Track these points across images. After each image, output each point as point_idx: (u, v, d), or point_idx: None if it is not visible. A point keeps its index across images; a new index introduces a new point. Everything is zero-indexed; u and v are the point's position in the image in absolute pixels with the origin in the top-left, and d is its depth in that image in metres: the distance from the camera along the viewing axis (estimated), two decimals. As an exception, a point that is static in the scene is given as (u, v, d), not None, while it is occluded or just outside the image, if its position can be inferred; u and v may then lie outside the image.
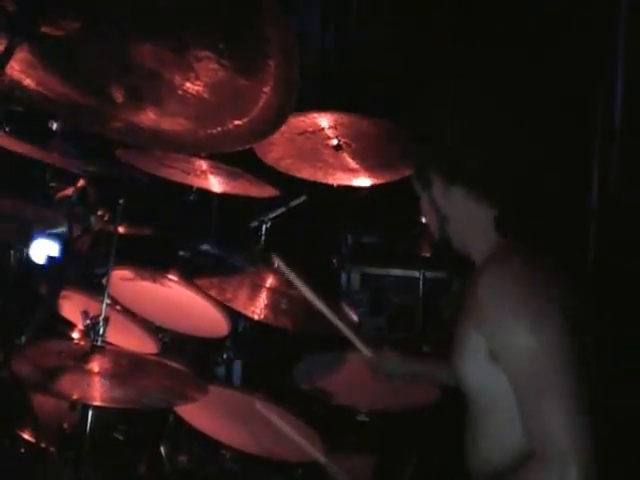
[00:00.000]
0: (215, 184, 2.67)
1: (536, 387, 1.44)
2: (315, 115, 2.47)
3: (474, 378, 1.58)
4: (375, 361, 2.18)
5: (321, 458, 2.03)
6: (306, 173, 2.72)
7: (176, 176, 2.61)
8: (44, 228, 2.09)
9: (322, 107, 2.48)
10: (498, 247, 1.62)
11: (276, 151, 2.56)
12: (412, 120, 1.76)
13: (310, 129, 2.52)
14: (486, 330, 1.51)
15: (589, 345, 1.54)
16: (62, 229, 2.07)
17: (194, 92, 1.48)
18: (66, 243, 2.09)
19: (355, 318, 3.05)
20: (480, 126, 1.64)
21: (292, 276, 2.19)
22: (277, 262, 2.21)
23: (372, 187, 2.76)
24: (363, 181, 2.74)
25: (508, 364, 1.49)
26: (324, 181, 2.74)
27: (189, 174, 2.57)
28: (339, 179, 2.75)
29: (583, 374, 1.44)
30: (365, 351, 2.17)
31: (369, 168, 2.69)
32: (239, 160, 2.27)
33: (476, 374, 1.57)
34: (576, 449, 1.38)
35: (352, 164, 2.67)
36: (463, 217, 1.67)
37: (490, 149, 1.63)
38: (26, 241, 2.18)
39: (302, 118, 2.47)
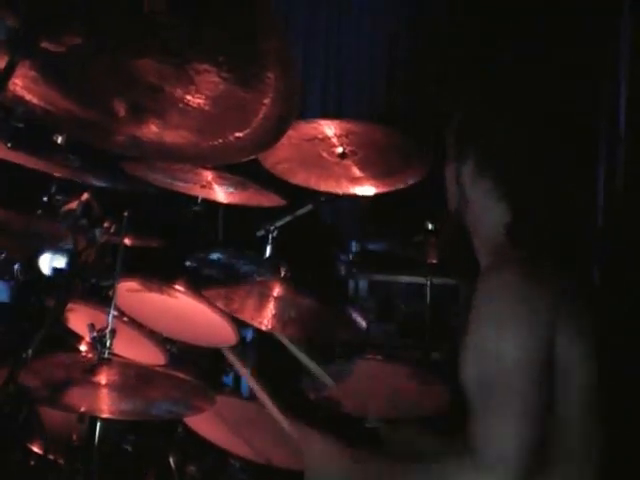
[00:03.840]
0: (221, 194, 2.68)
1: (495, 390, 1.45)
2: (324, 123, 2.47)
3: (474, 384, 1.58)
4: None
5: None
6: (300, 179, 2.72)
7: (181, 187, 2.62)
8: (50, 241, 2.10)
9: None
10: (505, 252, 1.62)
11: (276, 155, 2.55)
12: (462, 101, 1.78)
13: (320, 136, 2.53)
14: (479, 335, 1.52)
15: (581, 356, 1.54)
16: (68, 243, 2.08)
17: (195, 105, 1.48)
18: (72, 256, 2.10)
19: (364, 325, 3.05)
20: (520, 131, 1.66)
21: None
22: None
23: (377, 195, 2.76)
24: (367, 189, 2.74)
25: (486, 364, 1.49)
26: (316, 188, 2.73)
27: (195, 185, 2.58)
28: (335, 187, 2.74)
29: (543, 388, 1.45)
30: (328, 381, 2.18)
31: (374, 176, 2.69)
32: (246, 168, 2.28)
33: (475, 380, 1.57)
34: (517, 458, 1.39)
35: (356, 172, 2.67)
36: (480, 209, 1.68)
37: (523, 154, 1.64)
38: (32, 254, 2.18)
39: (314, 125, 2.48)
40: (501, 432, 1.42)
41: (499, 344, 1.46)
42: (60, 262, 2.14)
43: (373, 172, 2.67)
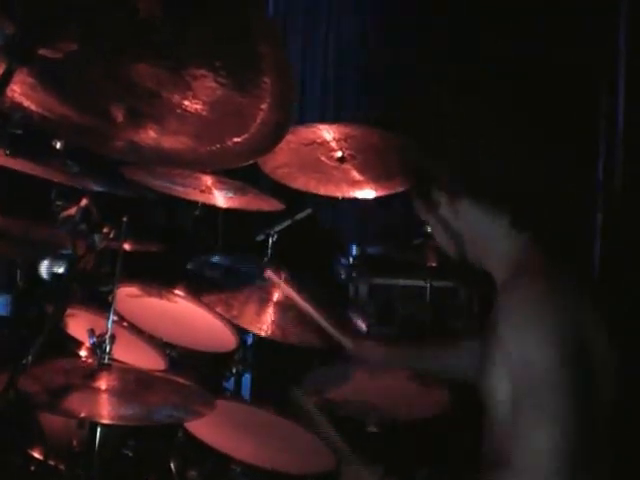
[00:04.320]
0: (220, 199, 2.69)
1: (531, 402, 1.45)
2: (323, 127, 2.47)
3: (494, 395, 1.56)
4: (356, 350, 2.21)
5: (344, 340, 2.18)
6: (300, 183, 2.72)
7: (181, 192, 2.63)
8: (50, 247, 2.10)
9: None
10: (517, 258, 1.61)
11: (276, 159, 2.56)
12: (411, 138, 1.75)
13: (319, 140, 2.53)
14: (502, 345, 1.50)
15: (596, 364, 1.53)
16: (67, 248, 2.08)
17: (193, 110, 1.48)
18: (71, 261, 2.10)
19: (364, 328, 3.05)
20: (483, 134, 1.63)
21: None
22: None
23: (376, 198, 2.76)
24: (367, 193, 2.74)
25: (516, 373, 1.49)
26: (316, 192, 2.74)
27: (194, 190, 2.59)
28: (335, 191, 2.75)
29: (580, 398, 1.45)
30: (344, 341, 2.20)
31: (373, 180, 2.70)
32: (246, 172, 2.28)
33: (496, 391, 1.55)
34: (549, 460, 1.39)
35: (356, 176, 2.68)
36: (475, 229, 1.66)
37: (494, 157, 1.62)
38: (32, 260, 2.19)
39: (312, 129, 2.48)
40: (535, 435, 1.41)
41: (524, 351, 1.45)
42: (59, 268, 2.14)
43: (372, 175, 2.68)
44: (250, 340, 2.92)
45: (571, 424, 1.43)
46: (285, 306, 2.66)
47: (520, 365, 1.47)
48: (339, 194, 2.77)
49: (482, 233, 1.65)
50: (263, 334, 2.59)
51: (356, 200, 2.79)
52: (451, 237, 1.68)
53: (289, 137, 2.38)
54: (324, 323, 2.22)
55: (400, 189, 2.68)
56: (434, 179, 1.65)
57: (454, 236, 1.68)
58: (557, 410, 1.43)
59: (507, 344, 1.49)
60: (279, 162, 2.57)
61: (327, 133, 2.49)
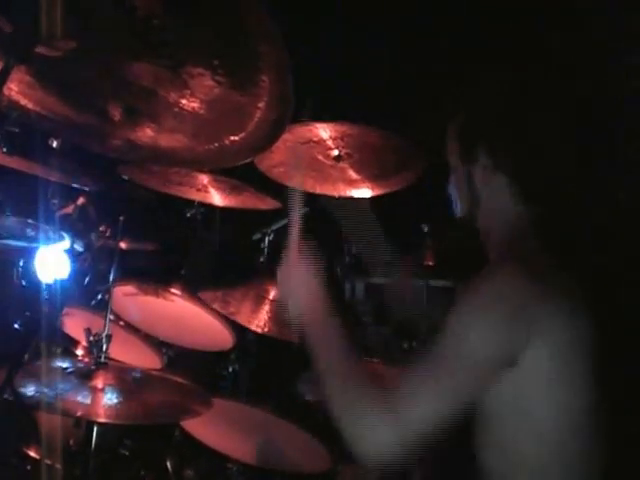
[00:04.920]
0: (217, 198, 2.68)
1: (440, 360, 1.44)
2: (321, 126, 2.47)
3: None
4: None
5: None
6: (295, 182, 2.71)
7: (178, 191, 2.62)
8: (46, 246, 2.10)
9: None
10: (513, 247, 1.60)
11: (272, 158, 2.55)
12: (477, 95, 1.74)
13: (315, 139, 2.52)
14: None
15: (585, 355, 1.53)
16: (64, 247, 2.08)
17: (190, 109, 1.48)
18: (69, 260, 2.10)
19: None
20: (536, 124, 1.62)
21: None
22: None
23: (373, 197, 2.75)
24: (363, 192, 2.73)
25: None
26: (312, 191, 2.72)
27: (191, 188, 2.58)
28: (332, 190, 2.74)
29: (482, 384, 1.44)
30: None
31: (370, 179, 2.69)
32: (242, 171, 2.28)
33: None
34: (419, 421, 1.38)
35: (353, 175, 2.67)
36: (496, 206, 1.65)
37: (542, 147, 1.62)
38: (29, 259, 2.18)
39: (309, 128, 2.47)
40: (423, 393, 1.41)
41: (466, 330, 1.44)
42: (56, 267, 2.14)
43: (369, 174, 2.67)
44: (247, 339, 2.91)
45: (565, 421, 1.43)
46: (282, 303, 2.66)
47: (453, 332, 1.46)
48: (335, 193, 2.76)
49: (498, 212, 1.65)
50: (260, 331, 2.59)
51: (354, 199, 2.78)
52: (471, 195, 1.68)
53: (285, 135, 2.37)
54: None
55: (397, 188, 2.68)
56: (493, 139, 1.65)
57: (473, 197, 1.67)
58: (549, 409, 1.43)
59: (457, 314, 1.48)
60: (275, 161, 2.56)
61: (323, 131, 2.48)
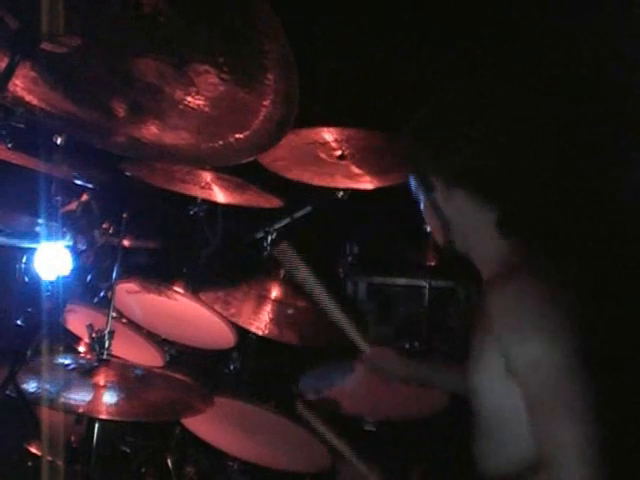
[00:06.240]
0: (220, 196, 2.68)
1: (550, 401, 1.43)
2: (326, 129, 2.47)
3: (488, 394, 1.56)
4: (373, 357, 2.13)
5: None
6: (295, 174, 2.71)
7: (181, 188, 2.62)
8: (50, 242, 2.10)
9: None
10: (506, 257, 1.60)
11: (274, 153, 2.54)
12: (412, 122, 1.73)
13: (320, 141, 2.52)
14: (502, 347, 1.48)
15: (600, 356, 1.53)
16: (67, 243, 2.08)
17: (195, 106, 1.48)
18: (71, 257, 2.10)
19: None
20: (482, 126, 1.61)
21: (297, 264, 2.18)
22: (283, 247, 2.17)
23: (374, 197, 2.75)
24: (363, 185, 2.73)
25: (523, 377, 1.47)
26: (311, 182, 2.72)
27: (194, 186, 2.58)
28: (329, 182, 2.74)
29: (595, 387, 1.43)
30: (363, 346, 2.13)
31: (369, 172, 2.68)
32: (245, 170, 2.27)
33: (490, 391, 1.55)
34: (585, 464, 1.37)
35: (354, 170, 2.67)
36: (465, 221, 1.64)
37: (492, 150, 1.60)
38: (31, 255, 2.18)
39: (315, 131, 2.47)
40: (565, 441, 1.39)
41: (544, 353, 1.43)
42: (59, 263, 2.14)
43: (369, 168, 2.66)
44: (249, 338, 2.91)
45: (596, 417, 1.42)
46: (284, 304, 2.66)
47: (527, 369, 1.45)
48: (333, 184, 2.76)
49: (470, 225, 1.65)
50: (261, 333, 2.59)
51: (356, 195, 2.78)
52: (441, 222, 1.67)
53: (291, 137, 2.37)
54: (344, 323, 2.14)
55: (398, 182, 2.67)
56: (432, 163, 1.64)
57: (443, 222, 1.67)
58: (582, 406, 1.42)
59: (508, 347, 1.47)
60: (278, 155, 2.56)
61: (328, 135, 2.48)
